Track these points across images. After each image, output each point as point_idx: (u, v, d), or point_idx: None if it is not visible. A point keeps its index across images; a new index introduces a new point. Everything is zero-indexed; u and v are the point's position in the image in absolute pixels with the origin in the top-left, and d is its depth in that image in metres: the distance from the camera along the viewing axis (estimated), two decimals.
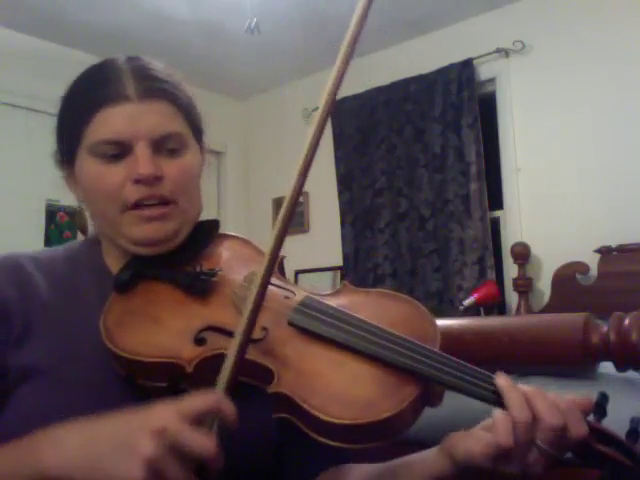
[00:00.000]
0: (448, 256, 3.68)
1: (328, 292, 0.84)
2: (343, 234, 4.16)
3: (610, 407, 0.69)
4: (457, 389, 0.69)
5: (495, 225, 3.72)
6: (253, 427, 0.77)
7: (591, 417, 0.69)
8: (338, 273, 4.23)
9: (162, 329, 0.76)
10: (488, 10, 3.74)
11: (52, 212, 3.83)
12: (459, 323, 1.41)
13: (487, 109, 3.76)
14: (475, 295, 3.40)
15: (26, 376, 0.75)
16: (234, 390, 0.63)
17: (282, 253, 0.71)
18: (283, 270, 3.64)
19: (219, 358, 0.67)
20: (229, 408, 0.60)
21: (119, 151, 0.79)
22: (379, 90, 4.06)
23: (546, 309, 3.27)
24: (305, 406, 0.65)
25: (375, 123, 4.06)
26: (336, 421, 0.64)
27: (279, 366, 0.70)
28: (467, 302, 3.40)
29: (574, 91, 3.43)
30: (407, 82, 3.95)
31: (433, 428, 0.83)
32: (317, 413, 0.65)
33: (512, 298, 3.55)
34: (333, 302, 0.80)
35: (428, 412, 0.71)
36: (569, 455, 0.67)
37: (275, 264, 0.68)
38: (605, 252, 3.18)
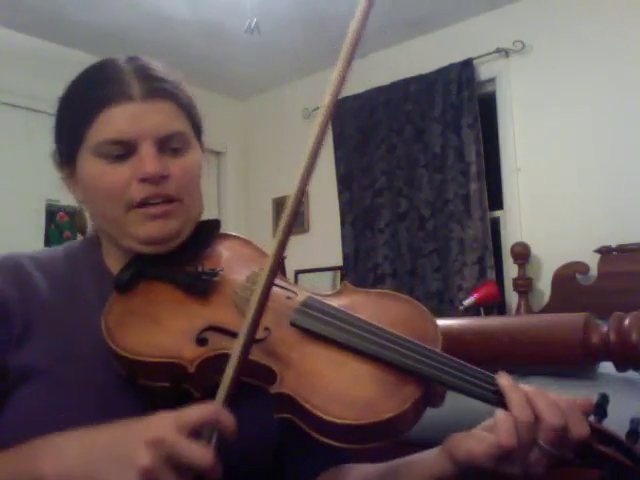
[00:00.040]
0: (448, 256, 3.69)
1: (329, 292, 0.84)
2: (343, 234, 4.16)
3: (610, 407, 0.69)
4: (458, 389, 0.69)
5: (495, 225, 3.72)
6: (253, 427, 0.77)
7: (592, 418, 0.69)
8: (338, 273, 4.23)
9: (163, 329, 0.76)
10: (488, 10, 3.74)
11: (52, 212, 3.83)
12: (459, 323, 1.41)
13: (487, 109, 3.76)
14: (475, 295, 3.40)
15: (26, 376, 0.75)
16: (237, 390, 0.63)
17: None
18: (284, 270, 3.64)
19: (221, 358, 0.67)
20: (228, 419, 0.60)
21: (124, 151, 0.79)
22: (379, 90, 4.06)
23: (546, 309, 3.28)
24: (307, 406, 0.66)
25: (375, 123, 4.06)
26: (338, 421, 0.64)
27: (281, 366, 0.70)
28: (467, 302, 3.40)
29: (574, 91, 3.43)
30: (407, 82, 3.95)
31: (434, 428, 0.83)
32: (319, 413, 0.65)
33: (512, 298, 3.55)
34: (334, 302, 0.80)
35: (429, 412, 0.71)
36: (570, 455, 0.67)
37: (279, 264, 0.68)
38: (605, 252, 3.18)
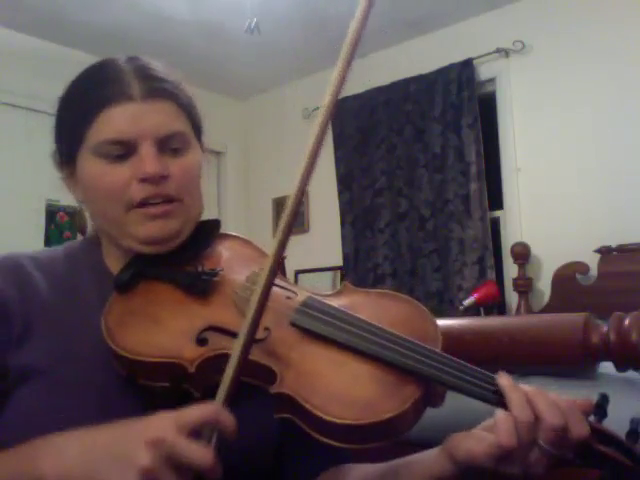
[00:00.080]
0: (448, 256, 3.69)
1: (329, 293, 0.84)
2: (343, 234, 4.16)
3: (610, 407, 0.69)
4: (458, 389, 0.69)
5: (495, 225, 3.72)
6: (253, 427, 0.77)
7: (592, 418, 0.69)
8: (338, 273, 4.23)
9: (163, 329, 0.76)
10: (488, 10, 3.74)
11: (52, 212, 3.83)
12: (459, 323, 1.41)
13: (487, 109, 3.76)
14: (475, 295, 3.40)
15: (26, 376, 0.75)
16: (237, 391, 0.63)
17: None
18: (284, 270, 3.64)
19: (221, 358, 0.67)
20: (228, 419, 0.60)
21: (124, 151, 0.79)
22: (379, 90, 4.06)
23: (546, 309, 3.28)
24: (307, 406, 0.66)
25: (375, 123, 4.06)
26: (338, 421, 0.64)
27: (281, 366, 0.70)
28: (467, 302, 3.40)
29: (574, 91, 3.43)
30: (407, 82, 3.95)
31: (434, 428, 0.83)
32: (319, 413, 0.65)
33: (512, 298, 3.55)
34: (334, 302, 0.80)
35: (429, 412, 0.71)
36: (569, 455, 0.67)
37: (279, 264, 0.68)
38: (605, 252, 3.18)
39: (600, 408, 0.69)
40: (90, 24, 3.73)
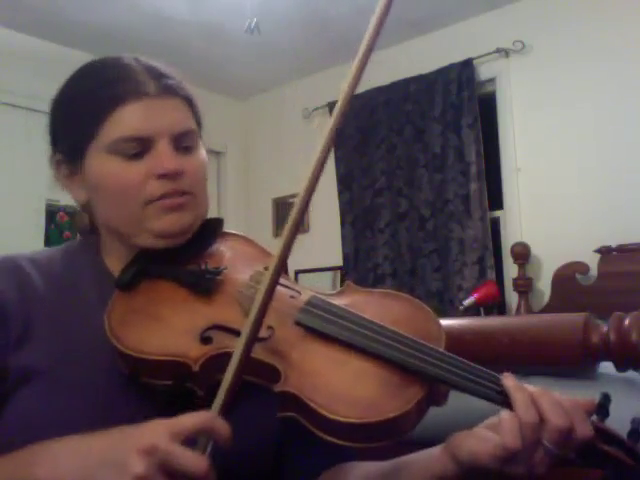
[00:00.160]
0: (448, 256, 3.69)
1: (332, 292, 0.84)
2: (343, 234, 4.16)
3: (610, 407, 0.70)
4: (462, 389, 0.69)
5: (495, 225, 3.72)
6: (254, 428, 0.78)
7: (594, 417, 0.69)
8: (338, 273, 4.23)
9: (167, 327, 0.76)
10: (488, 10, 3.75)
11: (52, 212, 3.83)
12: (459, 323, 1.41)
13: (487, 109, 3.76)
14: (475, 295, 3.40)
15: (26, 378, 0.75)
16: (239, 389, 0.64)
17: None
18: (287, 270, 3.64)
19: (225, 357, 0.67)
20: (223, 428, 0.60)
21: (140, 149, 0.79)
22: (379, 90, 4.06)
23: (546, 309, 3.28)
24: (312, 405, 0.66)
25: (375, 123, 4.06)
26: (342, 420, 0.64)
27: (285, 365, 0.70)
28: (467, 302, 3.40)
29: (574, 91, 3.43)
30: (407, 82, 3.95)
31: (437, 427, 0.83)
32: (324, 412, 0.65)
33: (512, 298, 3.55)
34: (338, 302, 0.80)
35: (432, 411, 0.71)
36: (572, 455, 0.67)
37: (285, 263, 0.68)
38: (605, 252, 3.18)
39: (602, 408, 0.69)
40: (90, 24, 3.73)
